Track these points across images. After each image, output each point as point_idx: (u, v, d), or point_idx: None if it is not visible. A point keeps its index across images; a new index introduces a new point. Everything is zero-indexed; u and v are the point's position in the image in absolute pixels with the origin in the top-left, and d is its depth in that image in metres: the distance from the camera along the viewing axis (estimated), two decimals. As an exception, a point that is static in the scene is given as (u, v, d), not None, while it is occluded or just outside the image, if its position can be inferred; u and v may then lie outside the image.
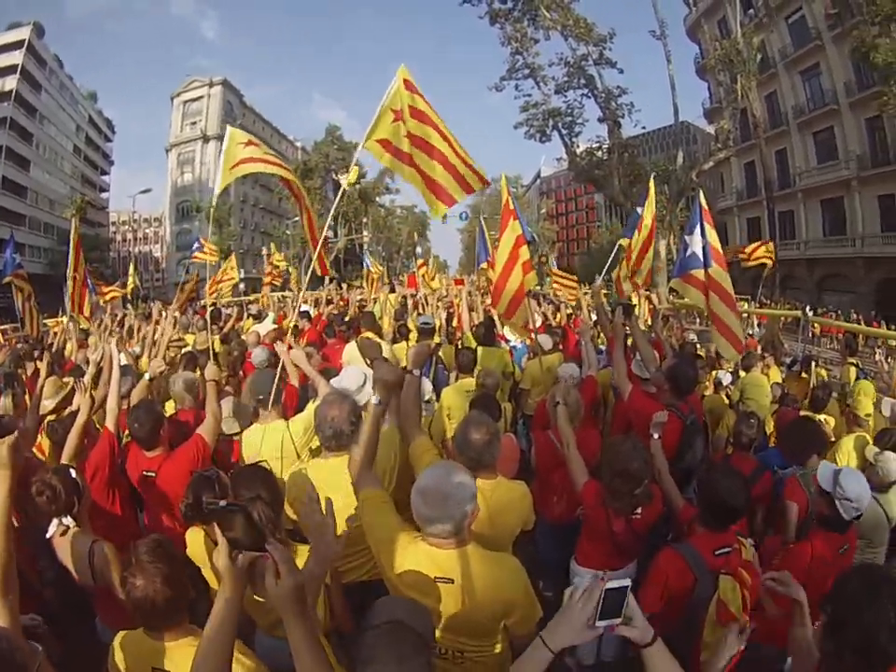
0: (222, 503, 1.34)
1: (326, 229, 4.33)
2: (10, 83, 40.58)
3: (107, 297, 10.88)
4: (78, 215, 31.51)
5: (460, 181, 3.54)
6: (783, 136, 29.57)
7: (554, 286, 11.71)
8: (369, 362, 4.15)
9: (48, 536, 2.32)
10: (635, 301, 7.29)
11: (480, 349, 5.14)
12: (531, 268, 4.79)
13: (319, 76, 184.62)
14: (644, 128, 23.11)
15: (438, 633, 1.84)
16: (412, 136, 3.41)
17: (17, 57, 41.04)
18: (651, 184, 7.08)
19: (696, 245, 5.17)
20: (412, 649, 1.24)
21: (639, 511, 2.74)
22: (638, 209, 7.01)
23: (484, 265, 9.23)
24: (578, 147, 23.57)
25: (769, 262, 12.14)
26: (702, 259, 5.02)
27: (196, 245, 11.65)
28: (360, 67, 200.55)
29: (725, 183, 34.99)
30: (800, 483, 3.19)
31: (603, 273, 5.76)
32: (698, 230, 5.21)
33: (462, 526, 1.81)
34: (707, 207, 5.35)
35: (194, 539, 2.43)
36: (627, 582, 1.27)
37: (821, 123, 27.57)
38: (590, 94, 21.83)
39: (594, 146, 23.11)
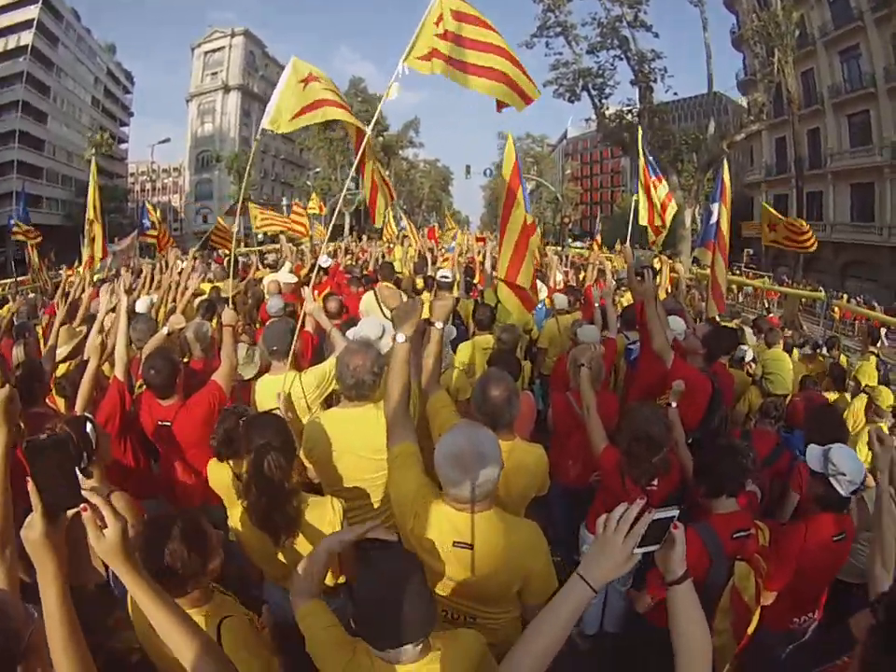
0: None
1: (349, 180, 4.04)
2: (26, 38, 40.46)
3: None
4: (98, 153, 31.35)
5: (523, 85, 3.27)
6: (817, 115, 28.61)
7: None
8: (388, 312, 4.07)
9: None
10: (657, 266, 7.19)
11: (500, 306, 4.95)
12: (534, 230, 4.56)
13: (346, 28, 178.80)
14: (676, 94, 22.46)
15: (450, 598, 1.81)
16: (465, 41, 3.11)
17: (32, 11, 40.77)
18: (640, 133, 6.94)
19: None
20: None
21: (656, 482, 2.69)
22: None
23: None
24: (607, 108, 23.12)
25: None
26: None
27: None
28: (389, 20, 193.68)
29: (755, 157, 34.17)
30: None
31: (628, 236, 5.67)
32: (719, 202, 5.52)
33: (491, 489, 1.72)
34: (727, 182, 5.56)
35: (217, 472, 2.47)
36: (675, 512, 1.15)
37: (857, 106, 26.62)
38: (622, 56, 21.30)
39: (624, 108, 22.55)
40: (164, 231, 10.41)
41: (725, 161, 6.10)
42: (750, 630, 2.15)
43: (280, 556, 2.09)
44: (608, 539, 1.15)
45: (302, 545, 2.02)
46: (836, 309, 14.28)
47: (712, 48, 20.51)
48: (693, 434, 3.19)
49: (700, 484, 2.50)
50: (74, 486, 1.12)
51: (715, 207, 5.55)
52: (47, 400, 3.30)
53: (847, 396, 4.90)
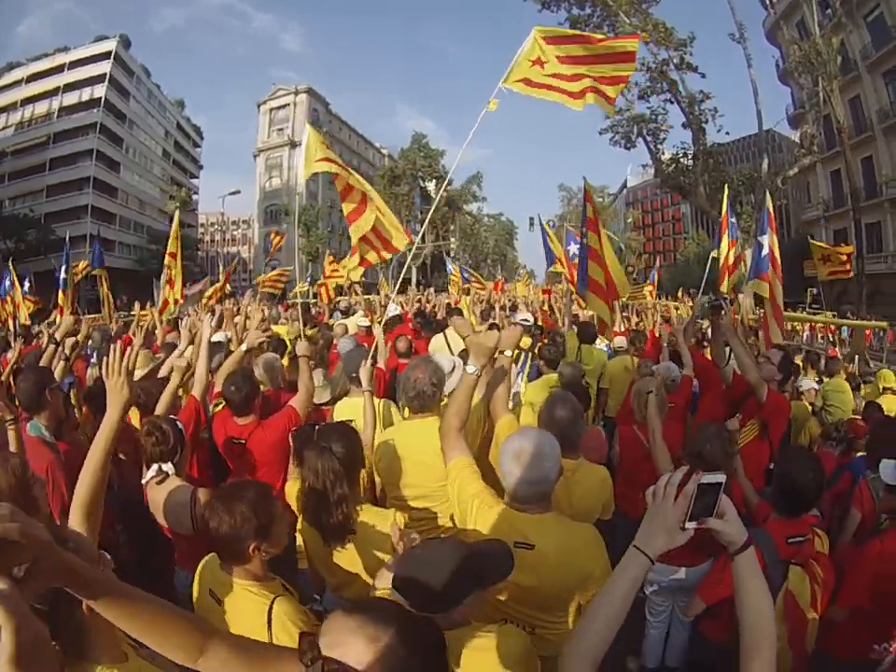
0: None
1: (419, 235, 4.36)
2: (99, 91, 43.81)
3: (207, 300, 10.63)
4: (180, 207, 33.34)
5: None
6: (869, 143, 27.78)
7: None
8: (456, 351, 4.33)
9: (143, 481, 2.39)
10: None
11: (582, 347, 5.44)
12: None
13: (405, 85, 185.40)
14: (728, 133, 22.16)
15: (511, 603, 1.85)
16: (559, 76, 3.60)
17: (105, 67, 44.18)
18: (726, 190, 7.19)
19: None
20: None
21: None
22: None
23: (554, 267, 9.44)
24: (663, 154, 23.00)
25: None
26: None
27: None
28: (447, 77, 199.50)
29: (811, 193, 33.25)
30: (870, 487, 3.04)
31: (701, 288, 5.84)
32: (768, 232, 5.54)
33: (550, 490, 1.83)
34: (771, 210, 5.71)
35: (294, 487, 2.57)
36: (722, 477, 1.12)
37: (906, 128, 25.66)
38: (673, 100, 21.20)
39: (678, 152, 22.43)
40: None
41: (768, 193, 6.15)
42: (810, 642, 2.09)
43: (337, 562, 2.13)
44: (658, 507, 1.14)
45: (355, 553, 2.07)
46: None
47: (759, 84, 20.37)
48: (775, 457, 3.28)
49: (777, 501, 2.45)
50: None
51: (764, 239, 5.50)
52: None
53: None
